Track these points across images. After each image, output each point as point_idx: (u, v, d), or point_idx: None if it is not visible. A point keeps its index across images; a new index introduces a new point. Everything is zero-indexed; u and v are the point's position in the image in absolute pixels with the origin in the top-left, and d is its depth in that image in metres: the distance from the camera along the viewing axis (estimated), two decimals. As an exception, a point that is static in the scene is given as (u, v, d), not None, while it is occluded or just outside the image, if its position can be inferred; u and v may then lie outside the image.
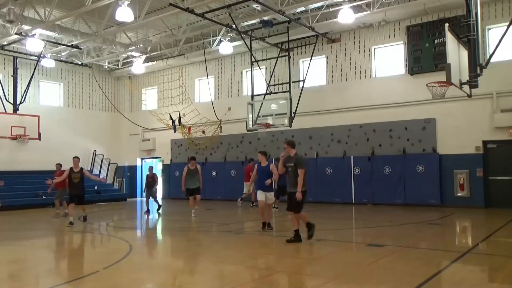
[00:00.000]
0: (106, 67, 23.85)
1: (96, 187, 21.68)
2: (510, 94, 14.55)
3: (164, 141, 23.09)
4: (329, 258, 7.64)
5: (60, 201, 15.25)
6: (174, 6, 14.34)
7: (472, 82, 9.22)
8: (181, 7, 14.49)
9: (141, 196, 24.16)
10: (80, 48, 19.93)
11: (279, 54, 18.51)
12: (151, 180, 16.17)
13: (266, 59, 19.21)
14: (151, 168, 16.75)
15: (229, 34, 18.71)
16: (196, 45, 20.63)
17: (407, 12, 15.91)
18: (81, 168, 12.94)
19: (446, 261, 7.22)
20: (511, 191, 14.46)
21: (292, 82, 17.74)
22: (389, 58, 17.18)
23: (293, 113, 16.89)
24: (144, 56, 21.70)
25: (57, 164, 16.32)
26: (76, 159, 12.85)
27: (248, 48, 18.11)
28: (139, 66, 22.13)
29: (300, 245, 9.05)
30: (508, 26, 9.24)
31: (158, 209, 16.26)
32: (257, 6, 15.90)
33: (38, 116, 20.38)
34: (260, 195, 10.50)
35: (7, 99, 20.26)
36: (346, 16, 15.44)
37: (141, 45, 20.06)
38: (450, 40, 8.84)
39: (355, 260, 7.60)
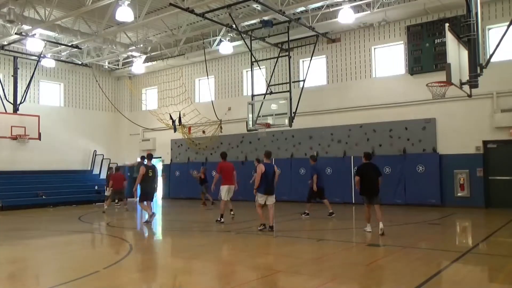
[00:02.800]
0: (106, 67, 23.85)
1: (96, 187, 21.68)
2: (510, 94, 14.55)
3: (164, 141, 23.09)
4: (329, 258, 7.64)
5: None
6: (174, 6, 14.34)
7: (472, 82, 9.21)
8: (181, 7, 14.48)
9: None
10: (80, 48, 19.92)
11: (279, 54, 18.50)
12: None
13: (266, 59, 19.20)
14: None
15: (229, 34, 18.70)
16: (196, 45, 20.63)
17: (407, 12, 15.91)
18: None
19: (446, 261, 7.22)
20: (511, 191, 14.46)
21: (292, 82, 17.72)
22: (389, 58, 17.17)
23: (293, 113, 16.88)
24: (144, 56, 21.70)
25: None
26: None
27: (248, 48, 18.10)
28: (139, 66, 22.13)
29: (300, 245, 9.06)
30: (508, 26, 9.23)
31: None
32: (257, 6, 15.90)
33: (38, 116, 20.36)
34: (262, 198, 10.48)
35: (7, 99, 20.25)
36: (346, 16, 15.43)
37: (141, 45, 20.06)
38: (450, 40, 8.83)
39: (355, 260, 7.60)
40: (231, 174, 12.97)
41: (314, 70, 18.40)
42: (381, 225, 9.68)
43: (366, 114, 17.16)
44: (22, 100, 20.54)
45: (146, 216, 12.58)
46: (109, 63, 23.56)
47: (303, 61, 19.11)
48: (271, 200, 10.54)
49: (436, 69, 15.30)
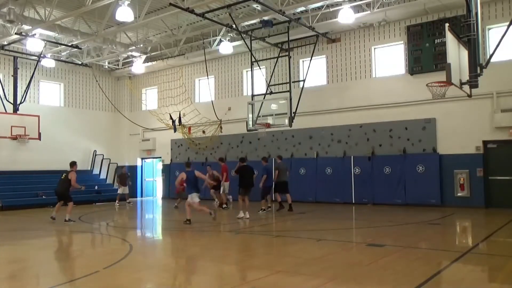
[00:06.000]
0: (106, 67, 23.84)
1: (96, 187, 21.70)
2: (510, 94, 14.54)
3: (164, 141, 23.09)
4: (329, 258, 7.63)
5: None
6: (174, 6, 14.34)
7: (472, 82, 9.22)
8: (181, 7, 14.48)
9: (142, 196, 24.18)
10: (80, 48, 19.92)
11: (279, 54, 18.50)
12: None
13: (266, 59, 19.20)
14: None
15: (229, 34, 18.70)
16: (196, 45, 20.63)
17: (407, 12, 15.90)
18: None
19: (446, 261, 7.22)
20: (511, 191, 14.46)
21: (292, 82, 17.73)
22: (389, 58, 17.17)
23: (293, 113, 16.89)
24: (144, 56, 21.69)
25: None
26: None
27: (248, 48, 18.10)
28: (139, 66, 22.12)
29: (300, 245, 9.06)
30: (508, 26, 9.23)
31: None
32: (257, 6, 15.90)
33: (38, 116, 20.36)
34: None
35: (7, 99, 20.25)
36: (346, 16, 15.43)
37: (141, 45, 20.06)
38: (450, 40, 8.84)
39: (355, 260, 7.60)
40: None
41: (314, 70, 18.40)
42: (247, 214, 13.03)
43: (366, 114, 17.16)
44: (22, 100, 20.53)
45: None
46: (109, 63, 23.55)
47: (303, 61, 19.11)
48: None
49: (436, 69, 15.30)
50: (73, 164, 13.58)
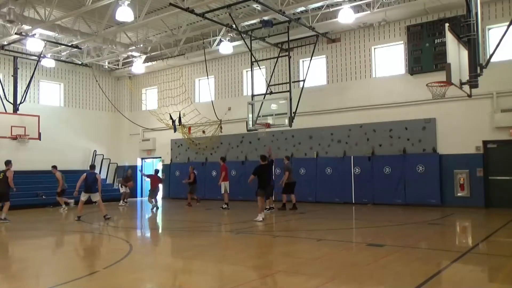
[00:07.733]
0: (106, 67, 23.84)
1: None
2: (510, 94, 14.54)
3: (164, 141, 23.09)
4: (329, 258, 7.63)
5: None
6: (174, 6, 14.34)
7: (472, 82, 9.22)
8: (181, 7, 14.49)
9: (141, 196, 24.18)
10: (80, 48, 19.92)
11: (279, 54, 18.50)
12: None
13: (266, 59, 19.20)
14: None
15: (229, 34, 18.70)
16: (196, 45, 20.63)
17: (407, 12, 15.91)
18: None
19: (446, 261, 7.22)
20: (511, 191, 14.46)
21: (292, 82, 17.72)
22: (389, 58, 17.17)
23: (293, 113, 16.88)
24: (144, 56, 21.70)
25: None
26: None
27: (248, 48, 18.10)
28: (139, 66, 22.12)
29: (300, 245, 9.06)
30: (508, 26, 9.23)
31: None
32: (257, 6, 15.90)
33: (38, 116, 20.36)
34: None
35: (7, 99, 20.25)
36: (346, 16, 15.43)
37: (141, 45, 20.06)
38: (450, 40, 8.84)
39: (355, 260, 7.60)
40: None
41: (314, 70, 18.40)
42: (262, 216, 12.45)
43: (366, 114, 17.16)
44: (22, 100, 20.53)
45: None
46: (109, 63, 23.55)
47: (303, 61, 19.11)
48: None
49: (436, 69, 15.30)
50: (8, 162, 14.04)
